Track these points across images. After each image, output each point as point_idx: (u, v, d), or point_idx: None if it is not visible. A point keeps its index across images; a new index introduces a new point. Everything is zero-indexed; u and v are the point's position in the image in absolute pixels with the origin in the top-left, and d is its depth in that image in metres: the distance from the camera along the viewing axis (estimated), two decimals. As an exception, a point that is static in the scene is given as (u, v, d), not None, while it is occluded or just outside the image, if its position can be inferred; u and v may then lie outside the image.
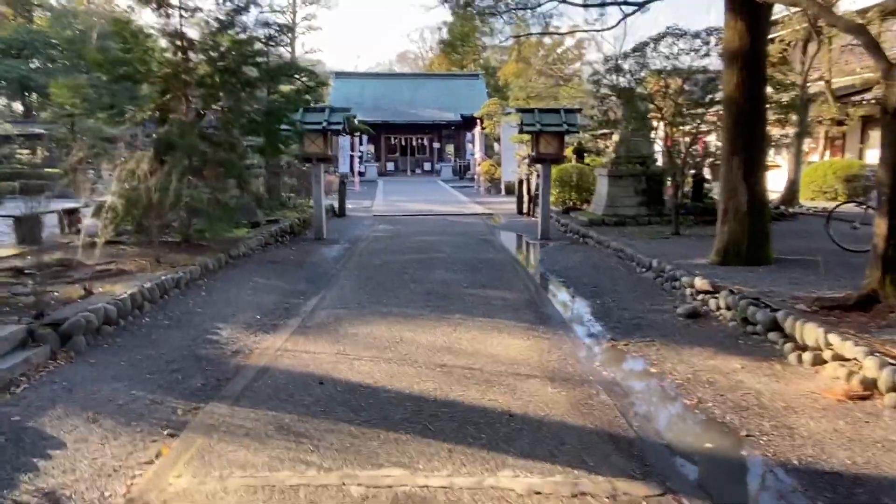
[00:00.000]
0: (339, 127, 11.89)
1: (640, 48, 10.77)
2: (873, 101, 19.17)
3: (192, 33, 10.05)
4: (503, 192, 24.60)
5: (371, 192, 24.49)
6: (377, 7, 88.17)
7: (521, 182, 17.91)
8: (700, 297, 6.66)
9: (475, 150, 32.26)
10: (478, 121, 31.26)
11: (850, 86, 19.05)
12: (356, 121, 25.42)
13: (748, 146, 7.78)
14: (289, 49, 31.27)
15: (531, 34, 14.41)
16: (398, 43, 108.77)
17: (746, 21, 7.69)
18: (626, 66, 11.06)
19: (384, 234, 13.22)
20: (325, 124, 11.65)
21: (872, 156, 20.40)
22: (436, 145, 39.79)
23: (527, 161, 20.03)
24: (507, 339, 5.58)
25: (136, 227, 9.04)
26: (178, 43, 9.86)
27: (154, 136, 9.83)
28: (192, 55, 10.09)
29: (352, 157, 30.63)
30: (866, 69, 20.46)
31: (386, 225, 14.85)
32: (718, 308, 6.27)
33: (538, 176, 18.16)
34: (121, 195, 8.47)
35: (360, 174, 32.04)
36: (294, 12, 34.93)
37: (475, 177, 29.77)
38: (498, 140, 29.72)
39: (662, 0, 12.70)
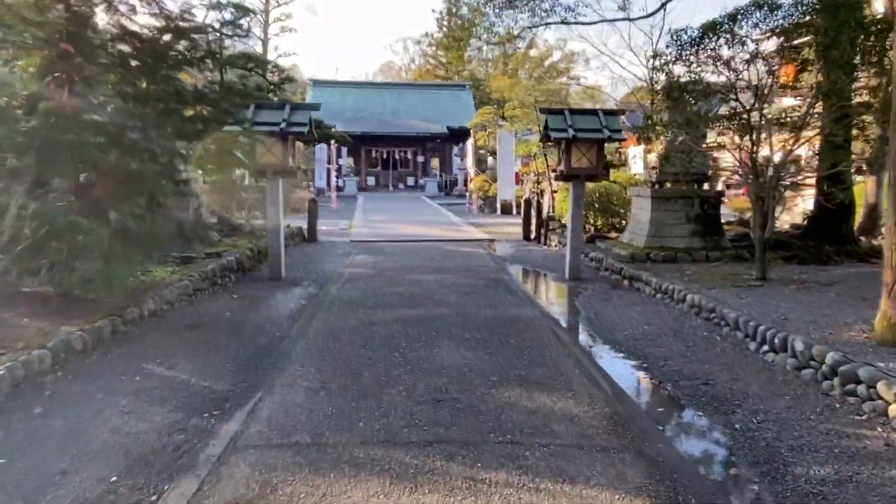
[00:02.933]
0: (304, 129, 8.82)
1: (711, 28, 7.90)
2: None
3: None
4: (499, 212, 21.72)
5: (349, 211, 21.39)
6: (358, 17, 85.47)
7: (528, 202, 14.95)
8: (938, 429, 3.68)
9: (467, 163, 29.45)
10: (469, 132, 28.46)
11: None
12: (332, 130, 22.32)
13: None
14: (256, 48, 28.18)
15: (549, 23, 11.54)
16: (380, 55, 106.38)
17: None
18: (691, 54, 8.18)
19: (363, 269, 10.13)
20: (283, 125, 8.57)
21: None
22: (420, 159, 36.88)
23: (534, 177, 17.20)
24: (629, 568, 2.54)
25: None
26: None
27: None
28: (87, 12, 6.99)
29: (328, 170, 27.58)
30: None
31: (366, 255, 11.77)
32: None
33: (552, 194, 15.31)
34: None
35: (339, 189, 28.92)
36: (266, 12, 31.90)
37: (466, 193, 26.85)
38: (493, 153, 26.88)
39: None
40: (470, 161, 27.92)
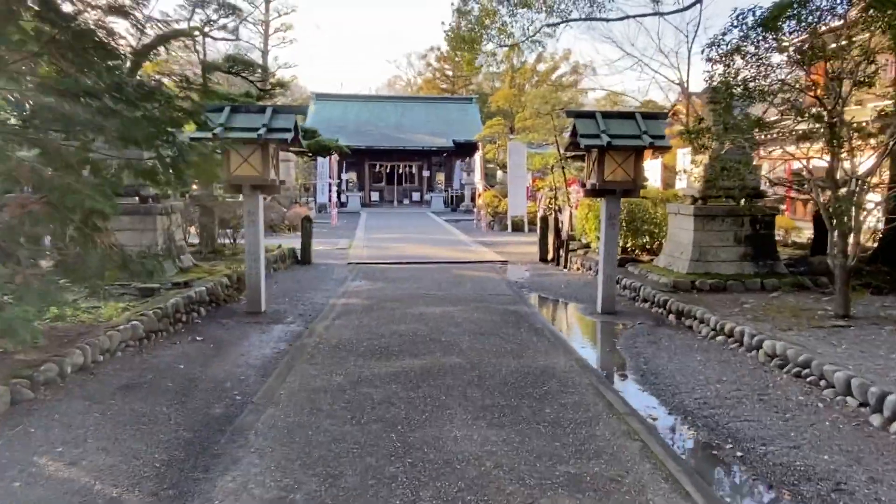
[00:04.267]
0: (287, 136, 7.43)
1: (783, 9, 6.49)
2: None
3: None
4: (510, 229, 20.26)
5: (351, 228, 19.99)
6: (364, 35, 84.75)
7: (544, 219, 13.50)
8: None
9: (475, 178, 28.06)
10: (476, 146, 27.12)
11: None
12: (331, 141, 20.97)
13: None
14: (256, 56, 27.00)
15: (571, 20, 10.17)
16: (386, 70, 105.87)
17: None
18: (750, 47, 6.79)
19: (360, 300, 8.68)
20: (262, 131, 7.19)
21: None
22: (425, 174, 35.53)
23: (550, 192, 15.76)
24: None
25: None
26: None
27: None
28: None
29: (330, 185, 26.27)
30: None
31: (364, 281, 10.32)
32: None
33: (571, 210, 13.86)
34: None
35: (342, 205, 27.60)
36: (266, 22, 30.84)
37: (474, 210, 25.45)
38: (502, 167, 25.53)
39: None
40: (478, 175, 26.53)
